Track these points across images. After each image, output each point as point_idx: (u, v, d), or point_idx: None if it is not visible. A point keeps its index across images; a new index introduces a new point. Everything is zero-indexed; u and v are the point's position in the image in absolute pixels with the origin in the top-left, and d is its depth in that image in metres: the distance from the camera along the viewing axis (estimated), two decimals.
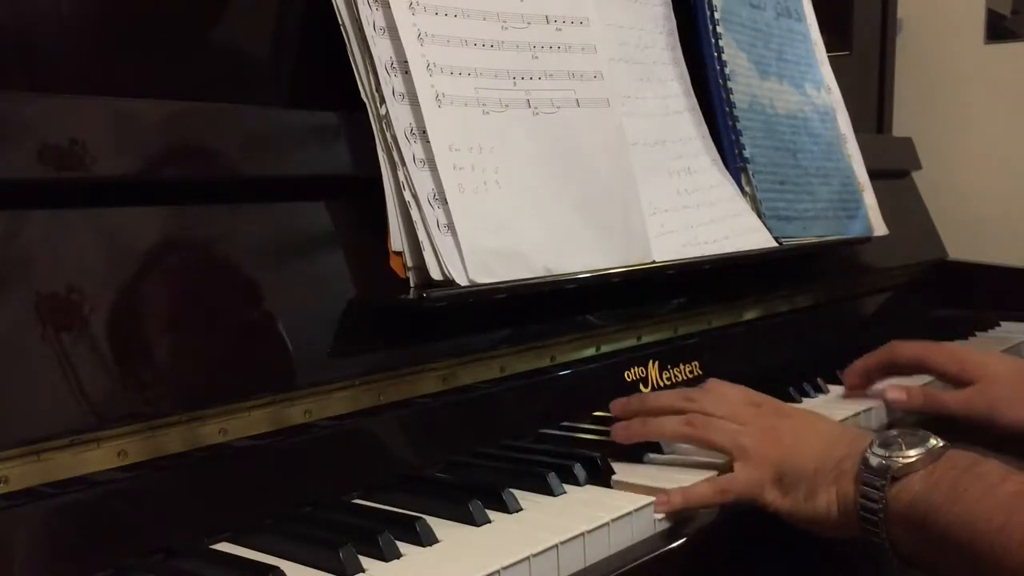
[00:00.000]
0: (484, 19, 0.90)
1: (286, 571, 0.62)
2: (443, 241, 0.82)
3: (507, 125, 0.89)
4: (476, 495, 0.72)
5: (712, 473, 0.81)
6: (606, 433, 0.87)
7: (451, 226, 0.82)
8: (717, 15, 1.19)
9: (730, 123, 1.18)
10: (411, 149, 0.82)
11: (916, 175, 1.72)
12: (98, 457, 0.65)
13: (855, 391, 1.08)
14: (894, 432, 0.75)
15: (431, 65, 0.84)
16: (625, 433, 0.84)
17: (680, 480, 0.78)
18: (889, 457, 0.72)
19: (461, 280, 0.81)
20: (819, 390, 1.10)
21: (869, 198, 1.39)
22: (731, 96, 1.19)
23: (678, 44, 1.15)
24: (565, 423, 0.95)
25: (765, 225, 1.18)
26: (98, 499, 0.65)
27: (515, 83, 0.91)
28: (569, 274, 0.90)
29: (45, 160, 0.64)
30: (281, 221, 0.77)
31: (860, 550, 0.73)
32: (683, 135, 1.13)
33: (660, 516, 0.75)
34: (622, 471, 0.81)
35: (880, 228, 1.39)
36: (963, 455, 0.71)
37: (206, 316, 0.71)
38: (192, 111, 0.74)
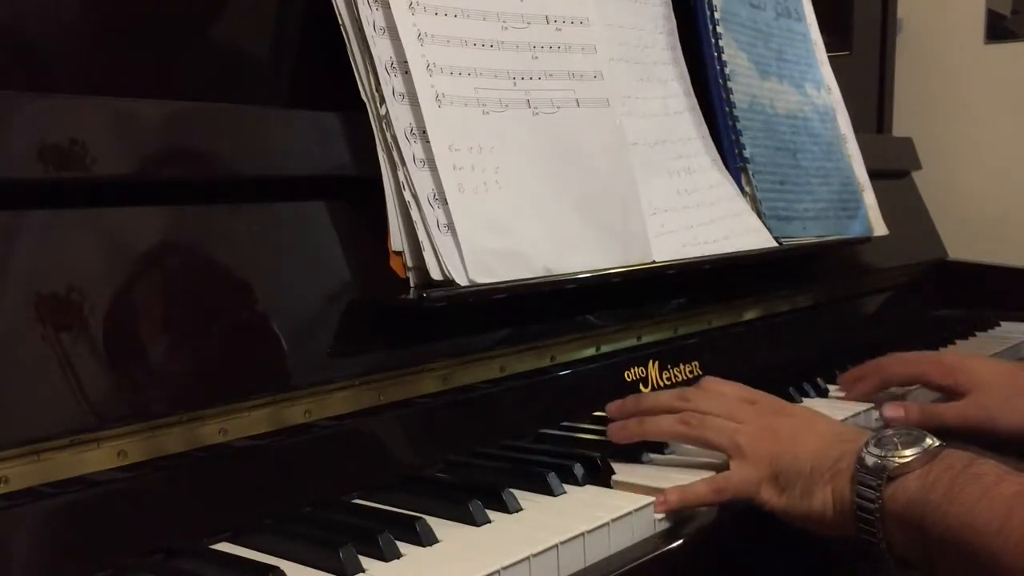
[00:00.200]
0: (484, 19, 0.90)
1: (286, 571, 0.62)
2: (443, 241, 0.82)
3: (507, 125, 0.89)
4: (476, 495, 0.72)
5: (712, 473, 0.81)
6: (606, 433, 0.87)
7: (451, 226, 0.82)
8: (717, 15, 1.19)
9: (730, 123, 1.18)
10: (411, 149, 0.82)
11: (916, 175, 1.72)
12: (98, 457, 0.65)
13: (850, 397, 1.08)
14: (890, 431, 0.74)
15: (431, 65, 0.84)
16: (622, 433, 0.84)
17: (680, 480, 0.78)
18: (885, 457, 0.72)
19: (461, 280, 0.81)
20: (819, 390, 1.10)
21: (869, 198, 1.39)
22: (731, 96, 1.19)
23: (678, 44, 1.15)
24: (565, 423, 0.95)
25: (765, 225, 1.18)
26: (98, 499, 0.65)
27: (515, 83, 0.91)
28: (569, 274, 0.90)
29: (45, 160, 0.64)
30: (281, 221, 0.77)
31: (857, 550, 0.73)
32: (683, 135, 1.13)
33: (660, 516, 0.75)
34: (622, 471, 0.81)
35: (880, 228, 1.39)
36: (959, 455, 0.71)
37: (206, 316, 0.71)
38: (192, 111, 0.74)
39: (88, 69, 0.74)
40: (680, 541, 0.74)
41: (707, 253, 1.08)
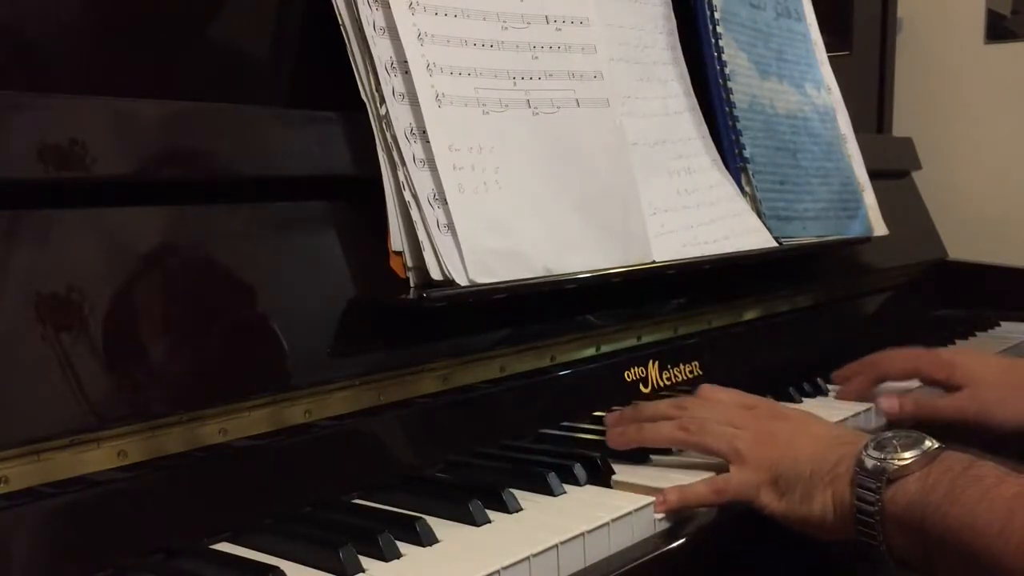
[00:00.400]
0: (484, 19, 0.90)
1: (286, 571, 0.62)
2: (443, 241, 0.82)
3: (507, 125, 0.89)
4: (476, 495, 0.72)
5: (712, 474, 0.81)
6: (605, 437, 0.87)
7: (451, 226, 0.82)
8: (717, 15, 1.19)
9: (730, 123, 1.18)
10: (411, 149, 0.82)
11: (916, 175, 1.72)
12: (98, 457, 0.65)
13: (845, 396, 1.08)
14: (889, 434, 0.74)
15: (431, 65, 0.84)
16: (620, 439, 0.84)
17: (680, 481, 0.78)
18: (884, 459, 0.71)
19: (461, 280, 0.81)
20: (819, 390, 1.10)
21: (869, 198, 1.39)
22: (731, 96, 1.19)
23: (678, 44, 1.15)
24: (565, 423, 0.95)
25: (765, 225, 1.18)
26: (98, 499, 0.65)
27: (515, 83, 0.91)
28: (569, 274, 0.90)
29: (45, 160, 0.64)
30: (281, 221, 0.78)
31: (857, 551, 0.73)
32: (683, 135, 1.13)
33: (660, 516, 0.75)
34: (622, 471, 0.81)
35: (880, 228, 1.39)
36: (959, 456, 0.71)
37: (206, 316, 0.71)
38: (192, 111, 0.74)
39: (88, 69, 0.74)
40: (680, 541, 0.73)
41: (707, 253, 1.08)
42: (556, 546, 0.66)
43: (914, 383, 1.10)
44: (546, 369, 0.96)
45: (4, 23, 0.70)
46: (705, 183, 1.13)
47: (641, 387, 1.04)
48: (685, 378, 1.09)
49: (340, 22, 0.81)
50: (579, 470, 0.79)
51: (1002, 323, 1.52)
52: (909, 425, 1.03)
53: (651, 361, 1.06)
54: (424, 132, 0.82)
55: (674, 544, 0.73)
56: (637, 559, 0.70)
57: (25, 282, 0.63)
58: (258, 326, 0.74)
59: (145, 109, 0.71)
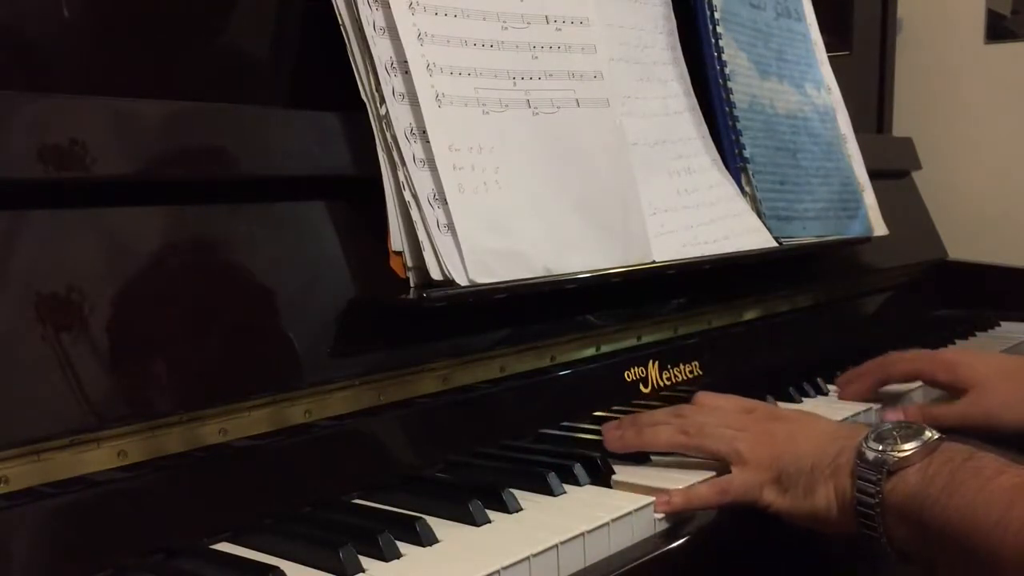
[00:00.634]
0: (484, 19, 0.90)
1: (286, 571, 0.62)
2: (443, 241, 0.82)
3: (507, 125, 0.89)
4: (476, 495, 0.72)
5: (713, 473, 0.81)
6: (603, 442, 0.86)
7: (451, 226, 0.82)
8: (717, 15, 1.19)
9: (730, 123, 1.18)
10: (411, 149, 0.82)
11: (916, 175, 1.72)
12: (98, 457, 0.65)
13: (848, 398, 1.08)
14: (889, 425, 0.75)
15: (431, 65, 0.84)
16: (619, 443, 0.84)
17: (680, 480, 0.78)
18: (885, 451, 0.72)
19: (461, 280, 0.81)
20: (819, 390, 1.10)
21: (869, 198, 1.39)
22: (731, 96, 1.18)
23: (678, 44, 1.15)
24: (565, 423, 0.95)
25: (765, 225, 1.18)
26: (98, 499, 0.65)
27: (515, 83, 0.91)
28: (569, 274, 0.90)
29: (45, 160, 0.64)
30: (281, 221, 0.77)
31: (856, 550, 0.73)
32: (683, 135, 1.13)
33: (660, 516, 0.75)
34: (622, 471, 0.81)
35: (880, 228, 1.39)
36: (958, 448, 0.71)
37: (206, 316, 0.71)
38: (192, 111, 0.74)
39: (88, 69, 0.74)
40: (680, 541, 0.73)
41: (707, 253, 1.07)
42: (556, 546, 0.66)
43: (916, 384, 1.10)
44: (546, 369, 0.96)
45: (4, 23, 0.70)
46: (705, 183, 1.13)
47: (641, 387, 1.04)
48: (685, 378, 1.09)
49: (340, 22, 0.81)
50: (579, 470, 0.79)
51: (1002, 323, 1.52)
52: None
53: (651, 361, 1.06)
54: (424, 132, 0.82)
55: (674, 544, 0.73)
56: (637, 559, 0.70)
57: (25, 282, 0.63)
58: (258, 326, 0.74)
59: (145, 109, 0.71)
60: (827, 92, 1.38)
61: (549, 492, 0.76)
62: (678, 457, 0.85)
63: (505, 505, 0.72)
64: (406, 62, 0.83)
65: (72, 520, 0.64)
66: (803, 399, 1.07)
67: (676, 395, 1.04)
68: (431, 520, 0.69)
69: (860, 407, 1.03)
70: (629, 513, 0.73)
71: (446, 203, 0.82)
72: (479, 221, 0.84)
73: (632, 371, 1.04)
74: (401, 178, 0.81)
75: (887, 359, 1.09)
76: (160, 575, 0.65)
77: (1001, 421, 0.99)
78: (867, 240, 1.36)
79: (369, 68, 0.82)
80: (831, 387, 1.11)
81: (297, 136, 0.79)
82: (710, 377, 1.11)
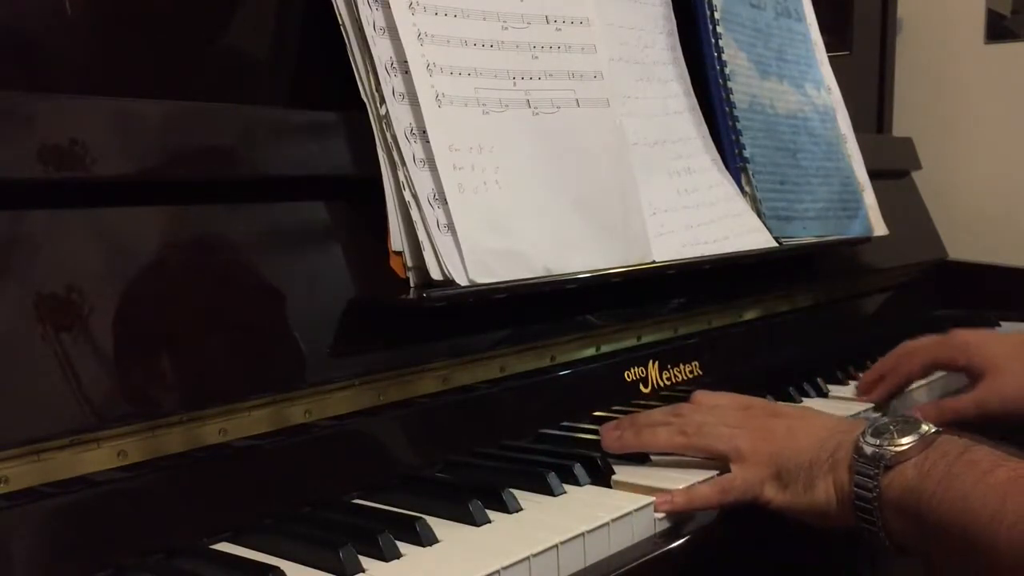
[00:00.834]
0: (484, 19, 0.90)
1: (286, 571, 0.62)
2: (443, 241, 0.82)
3: (507, 125, 0.89)
4: (476, 495, 0.72)
5: (713, 473, 0.81)
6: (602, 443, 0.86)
7: (451, 226, 0.82)
8: (717, 15, 1.19)
9: (730, 123, 1.18)
10: (411, 149, 0.82)
11: (916, 175, 1.72)
12: (98, 457, 0.65)
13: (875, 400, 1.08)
14: (886, 420, 0.75)
15: (431, 65, 0.84)
16: (618, 444, 0.84)
17: (680, 480, 0.78)
18: (882, 445, 0.72)
19: (461, 280, 0.81)
20: (819, 390, 1.10)
21: (869, 198, 1.39)
22: (731, 96, 1.18)
23: (678, 44, 1.15)
24: (565, 423, 0.95)
25: (765, 225, 1.18)
26: (98, 499, 0.65)
27: (515, 83, 0.91)
28: (569, 274, 0.90)
29: (45, 160, 0.64)
30: (281, 221, 0.77)
31: (855, 547, 0.73)
32: (683, 135, 1.13)
33: (661, 516, 0.75)
34: (622, 471, 0.81)
35: (880, 228, 1.39)
36: (955, 441, 0.72)
37: (206, 316, 0.71)
38: (192, 111, 0.74)
39: (88, 69, 0.74)
40: (680, 541, 0.74)
41: (707, 253, 1.07)
42: (556, 546, 0.66)
43: (917, 383, 1.10)
44: (546, 369, 0.96)
45: (4, 23, 0.70)
46: (705, 183, 1.13)
47: (641, 387, 1.04)
48: (685, 378, 1.09)
49: (340, 22, 0.81)
50: (579, 470, 0.79)
51: (1002, 323, 1.52)
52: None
53: (651, 361, 1.06)
54: (424, 132, 0.82)
55: (674, 544, 0.73)
56: (637, 559, 0.70)
57: (25, 282, 0.63)
58: (258, 326, 0.74)
59: (145, 109, 0.71)
60: (827, 92, 1.38)
61: (549, 492, 0.76)
62: (678, 457, 0.85)
63: (505, 505, 0.72)
64: (406, 62, 0.82)
65: (72, 520, 0.64)
66: (803, 399, 1.07)
67: (676, 395, 1.04)
68: (431, 520, 0.69)
69: (859, 407, 1.04)
70: (629, 513, 0.73)
71: (446, 203, 0.82)
72: (479, 221, 0.84)
73: (632, 371, 1.04)
74: (401, 178, 0.81)
75: (903, 354, 1.08)
76: (160, 575, 0.65)
77: (1018, 406, 0.99)
78: (867, 240, 1.36)
79: (369, 68, 0.82)
80: (831, 387, 1.11)
81: (297, 136, 0.79)
82: (710, 377, 1.11)
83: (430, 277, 0.81)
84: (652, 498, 0.75)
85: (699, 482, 0.79)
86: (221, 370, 0.71)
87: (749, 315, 1.24)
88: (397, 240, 0.81)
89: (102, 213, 0.68)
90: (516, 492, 0.74)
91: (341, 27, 0.81)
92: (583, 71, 0.97)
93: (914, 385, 1.10)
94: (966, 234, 1.78)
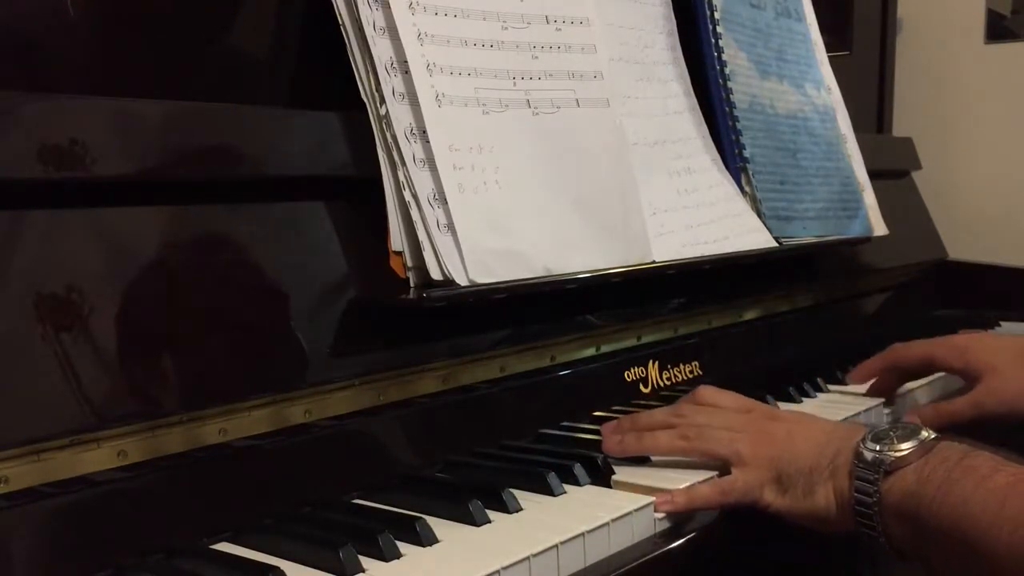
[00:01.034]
0: (484, 19, 0.90)
1: (286, 571, 0.62)
2: (443, 241, 0.82)
3: (507, 125, 0.89)
4: (476, 495, 0.72)
5: (713, 474, 0.81)
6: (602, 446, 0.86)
7: (451, 226, 0.82)
8: (717, 15, 1.19)
9: (730, 123, 1.18)
10: (411, 149, 0.82)
11: (916, 175, 1.72)
12: (98, 457, 0.65)
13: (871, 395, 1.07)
14: (886, 425, 0.75)
15: (431, 65, 0.84)
16: (619, 448, 0.84)
17: (680, 480, 0.78)
18: (881, 451, 0.72)
19: (461, 280, 0.81)
20: (819, 390, 1.10)
21: (869, 198, 1.39)
22: (731, 96, 1.18)
23: (678, 44, 1.15)
24: (565, 423, 0.95)
25: (765, 225, 1.18)
26: (98, 499, 0.65)
27: (515, 83, 0.91)
28: (569, 274, 0.90)
29: (45, 160, 0.64)
30: (281, 221, 0.77)
31: (855, 549, 0.73)
32: (683, 135, 1.13)
33: (661, 516, 0.75)
34: (622, 471, 0.81)
35: (880, 228, 1.39)
36: (955, 447, 0.72)
37: (206, 316, 0.71)
38: (192, 111, 0.74)
39: (88, 69, 0.74)
40: (680, 541, 0.74)
41: (707, 253, 1.07)
42: (556, 546, 0.66)
43: (917, 384, 1.10)
44: (546, 369, 0.96)
45: (4, 23, 0.70)
46: (705, 183, 1.13)
47: (641, 387, 1.04)
48: (685, 378, 1.09)
49: (340, 22, 0.81)
50: (579, 470, 0.79)
51: (1002, 323, 1.52)
52: None
53: (651, 361, 1.06)
54: (424, 132, 0.82)
55: (674, 544, 0.73)
56: (637, 559, 0.70)
57: (25, 282, 0.63)
58: (258, 326, 0.74)
59: (145, 109, 0.71)
60: (827, 92, 1.38)
61: (549, 492, 0.76)
62: (678, 457, 0.85)
63: (505, 505, 0.72)
64: (406, 62, 0.82)
65: (72, 520, 0.64)
66: (803, 399, 1.07)
67: (676, 395, 1.03)
68: (431, 520, 0.69)
69: (859, 407, 1.03)
70: (629, 513, 0.73)
71: (446, 203, 0.82)
72: (479, 221, 0.84)
73: (632, 371, 1.04)
74: (401, 178, 0.81)
75: (898, 353, 1.07)
76: (160, 575, 0.65)
77: (1016, 408, 0.99)
78: (867, 240, 1.36)
79: (369, 68, 0.82)
80: (831, 387, 1.11)
81: (297, 136, 0.79)
82: (710, 377, 1.11)
83: (430, 277, 0.81)
84: (652, 498, 0.75)
85: (699, 482, 0.79)
86: (221, 370, 0.71)
87: (749, 315, 1.24)
88: (397, 240, 0.81)
89: (102, 213, 0.68)
90: (516, 492, 0.74)
91: (341, 27, 0.81)
92: (583, 71, 0.97)
93: (913, 386, 1.10)
94: (966, 234, 1.78)
